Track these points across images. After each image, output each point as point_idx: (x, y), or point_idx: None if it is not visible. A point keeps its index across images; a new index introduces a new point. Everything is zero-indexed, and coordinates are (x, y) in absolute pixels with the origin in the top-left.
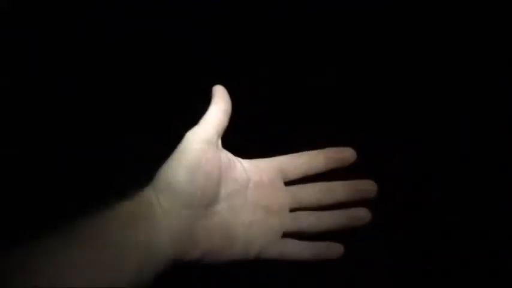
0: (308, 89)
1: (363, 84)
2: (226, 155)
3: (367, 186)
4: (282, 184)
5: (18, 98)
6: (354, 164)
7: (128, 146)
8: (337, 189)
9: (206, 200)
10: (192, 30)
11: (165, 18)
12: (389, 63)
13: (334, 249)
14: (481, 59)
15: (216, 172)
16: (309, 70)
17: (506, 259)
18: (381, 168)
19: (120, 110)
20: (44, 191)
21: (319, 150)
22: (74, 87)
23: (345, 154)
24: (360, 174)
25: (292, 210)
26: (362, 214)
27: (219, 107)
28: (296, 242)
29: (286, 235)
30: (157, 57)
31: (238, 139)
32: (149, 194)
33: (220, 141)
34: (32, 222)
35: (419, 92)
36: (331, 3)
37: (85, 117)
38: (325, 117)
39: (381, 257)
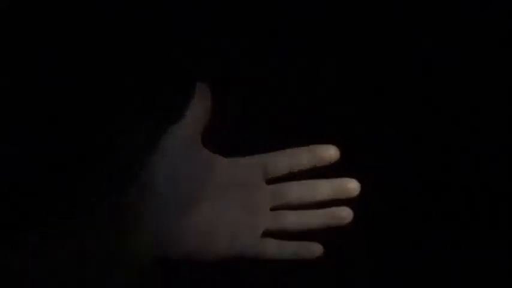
0: (308, 88)
1: (362, 84)
2: (207, 154)
3: (349, 185)
4: (264, 182)
5: (18, 98)
6: (350, 164)
7: (114, 145)
8: (319, 188)
9: (186, 199)
10: (192, 30)
11: (165, 18)
12: (390, 63)
13: (314, 249)
14: (481, 59)
15: (197, 171)
16: (309, 70)
17: (507, 259)
18: (378, 168)
19: (117, 110)
20: (43, 191)
21: (302, 147)
22: (74, 87)
23: (327, 151)
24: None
25: (274, 208)
26: (344, 214)
27: (200, 105)
28: (276, 241)
29: (267, 234)
30: (157, 57)
31: (238, 139)
32: (129, 195)
33: (200, 140)
34: (30, 222)
35: (419, 92)
36: (331, 3)
37: (82, 117)
38: (325, 117)
39: (370, 259)
